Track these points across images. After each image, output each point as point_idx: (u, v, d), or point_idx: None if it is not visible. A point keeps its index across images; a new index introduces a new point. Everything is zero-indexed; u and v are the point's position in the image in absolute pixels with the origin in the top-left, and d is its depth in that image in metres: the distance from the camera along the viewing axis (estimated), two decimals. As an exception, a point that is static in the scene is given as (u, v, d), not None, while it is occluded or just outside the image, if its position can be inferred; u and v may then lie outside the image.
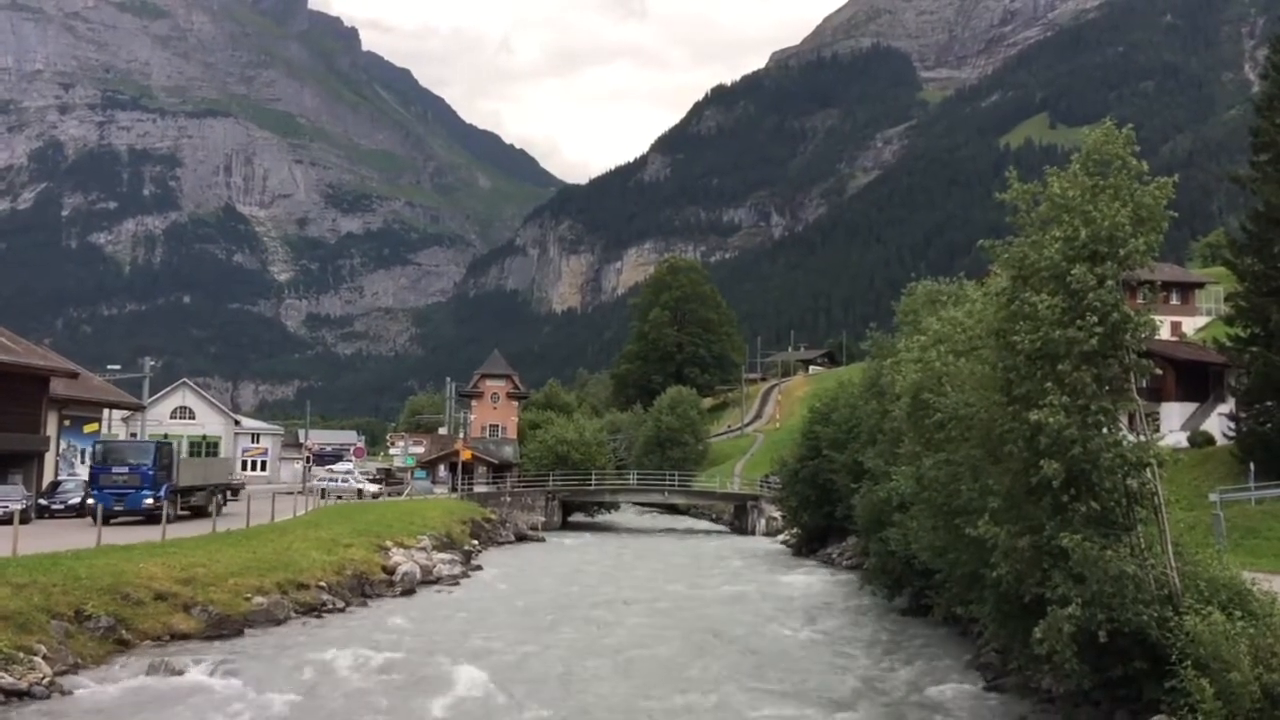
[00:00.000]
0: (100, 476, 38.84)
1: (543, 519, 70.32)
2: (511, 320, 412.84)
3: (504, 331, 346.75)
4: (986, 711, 20.10)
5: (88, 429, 53.15)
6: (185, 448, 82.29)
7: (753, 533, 69.98)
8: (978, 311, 22.70)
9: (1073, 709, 18.08)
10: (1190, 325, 67.56)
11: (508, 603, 34.39)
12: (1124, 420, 17.80)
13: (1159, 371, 30.47)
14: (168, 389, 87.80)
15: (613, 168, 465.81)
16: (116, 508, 36.84)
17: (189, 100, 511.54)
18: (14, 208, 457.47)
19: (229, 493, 48.96)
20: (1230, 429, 40.30)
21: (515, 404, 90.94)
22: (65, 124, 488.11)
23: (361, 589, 33.26)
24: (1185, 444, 42.79)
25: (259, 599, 27.62)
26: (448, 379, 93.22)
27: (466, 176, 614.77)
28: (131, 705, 18.91)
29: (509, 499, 72.42)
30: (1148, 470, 16.89)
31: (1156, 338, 34.74)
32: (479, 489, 75.44)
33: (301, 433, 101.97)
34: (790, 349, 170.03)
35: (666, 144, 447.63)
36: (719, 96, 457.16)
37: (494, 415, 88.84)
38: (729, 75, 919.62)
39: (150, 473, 38.83)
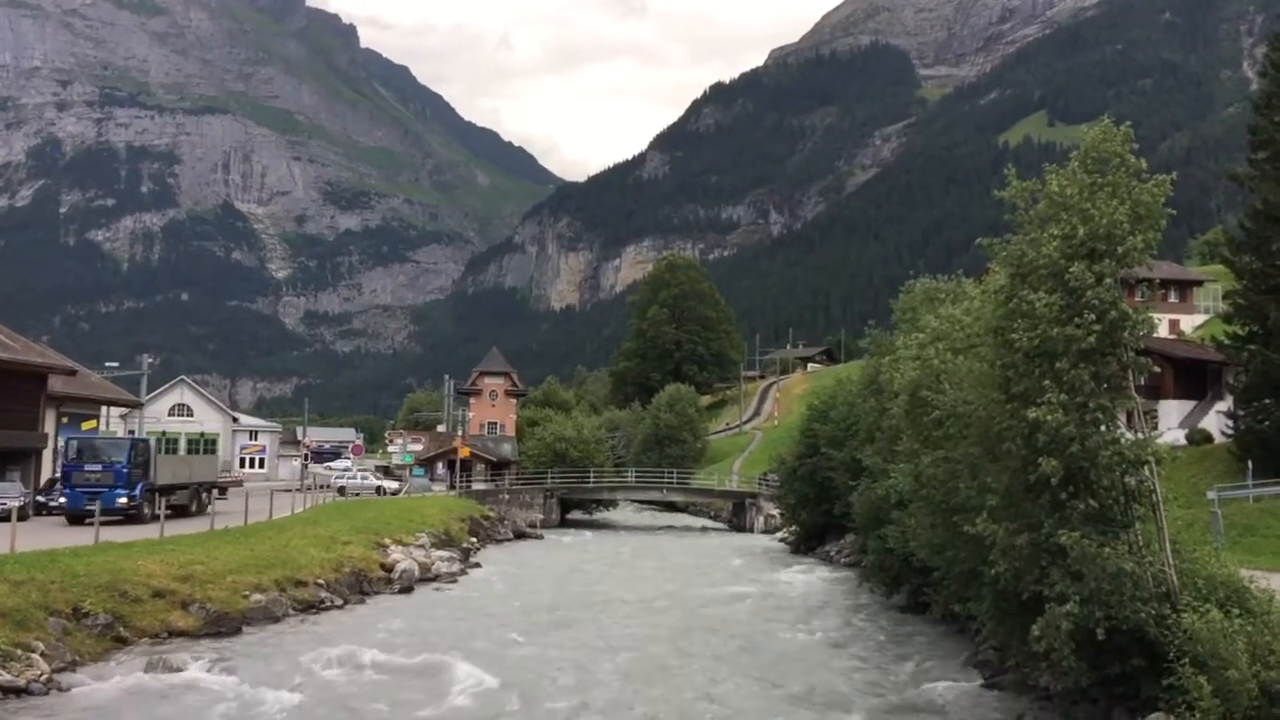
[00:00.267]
0: (73, 474, 37.65)
1: (541, 516, 70.33)
2: (510, 318, 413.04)
3: (502, 329, 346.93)
4: (984, 709, 20.11)
5: (86, 426, 53.11)
6: (183, 445, 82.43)
7: (751, 530, 70.02)
8: (976, 309, 22.70)
9: (1071, 706, 18.09)
10: (1188, 323, 67.58)
11: (506, 601, 34.40)
12: (1122, 418, 17.80)
13: (1157, 369, 30.53)
14: (166, 386, 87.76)
15: (611, 165, 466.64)
16: (90, 507, 35.25)
17: (187, 97, 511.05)
18: (12, 205, 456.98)
19: (215, 491, 47.35)
20: (1228, 427, 40.32)
21: (514, 401, 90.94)
22: (63, 121, 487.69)
23: (360, 586, 33.26)
24: (1183, 442, 42.84)
25: (257, 596, 27.61)
26: (446, 376, 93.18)
27: (465, 174, 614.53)
28: (129, 702, 18.90)
29: (507, 496, 72.45)
30: (1146, 468, 16.89)
31: (1154, 335, 34.74)
32: (477, 486, 75.49)
33: (300, 430, 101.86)
34: (789, 346, 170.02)
35: (665, 141, 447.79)
36: (718, 94, 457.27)
37: (492, 413, 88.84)
38: (728, 73, 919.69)
39: (125, 470, 37.51)
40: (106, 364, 70.17)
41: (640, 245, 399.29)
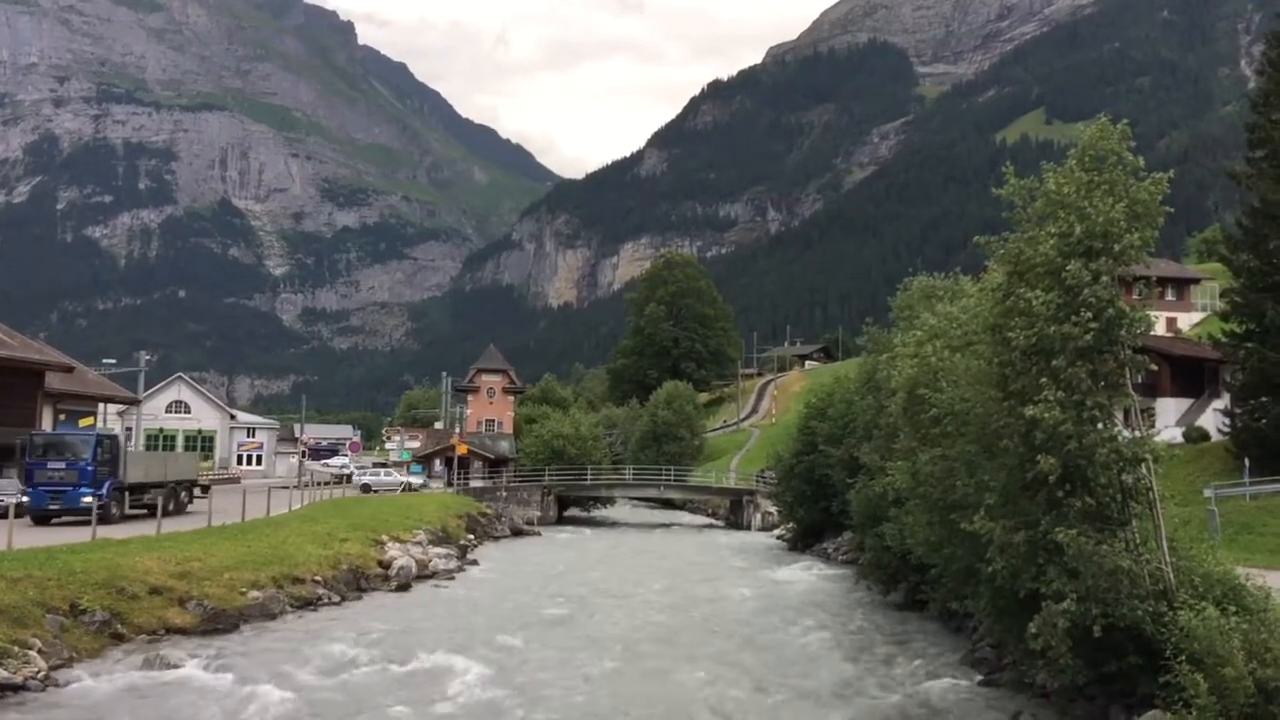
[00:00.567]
0: (35, 472, 35.73)
1: (538, 514, 70.30)
2: (507, 315, 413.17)
3: (500, 326, 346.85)
4: (981, 706, 20.11)
5: (83, 423, 53.03)
6: (181, 442, 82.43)
7: (748, 528, 70.00)
8: (973, 307, 22.68)
9: (1067, 704, 18.12)
10: (1186, 321, 67.69)
11: (503, 598, 34.38)
12: (1119, 416, 17.81)
13: (1154, 367, 30.56)
14: (163, 383, 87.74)
15: (609, 162, 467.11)
16: (53, 506, 34.21)
17: (184, 94, 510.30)
18: (9, 201, 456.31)
19: (196, 490, 45.51)
20: (1225, 424, 40.36)
21: (511, 399, 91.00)
22: (60, 117, 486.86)
23: (357, 583, 33.25)
24: (1180, 439, 42.89)
25: (254, 593, 27.60)
26: (444, 374, 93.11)
27: (463, 171, 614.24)
28: (127, 699, 18.89)
29: (505, 494, 72.41)
30: (1143, 466, 16.91)
31: (1152, 333, 34.77)
32: (475, 483, 75.49)
33: (297, 427, 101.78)
34: (786, 344, 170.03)
35: (663, 139, 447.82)
36: (716, 91, 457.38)
37: (490, 410, 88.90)
38: (726, 70, 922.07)
39: (89, 468, 35.58)
40: (104, 361, 70.22)
41: (638, 243, 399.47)
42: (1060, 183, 17.87)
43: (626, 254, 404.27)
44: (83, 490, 35.15)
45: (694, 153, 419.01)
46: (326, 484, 62.71)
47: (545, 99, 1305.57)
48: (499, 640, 26.08)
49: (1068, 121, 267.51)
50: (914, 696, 21.21)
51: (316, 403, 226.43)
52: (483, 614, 30.59)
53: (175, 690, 19.64)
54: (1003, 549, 17.62)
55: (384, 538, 39.89)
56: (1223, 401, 43.10)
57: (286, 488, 53.78)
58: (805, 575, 42.85)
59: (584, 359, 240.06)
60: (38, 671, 19.10)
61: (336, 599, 30.72)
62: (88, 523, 31.33)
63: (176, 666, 21.06)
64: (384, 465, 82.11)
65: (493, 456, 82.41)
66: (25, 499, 35.68)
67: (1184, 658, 14.58)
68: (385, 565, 36.27)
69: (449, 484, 73.77)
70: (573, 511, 79.17)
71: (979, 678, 22.19)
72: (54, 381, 48.13)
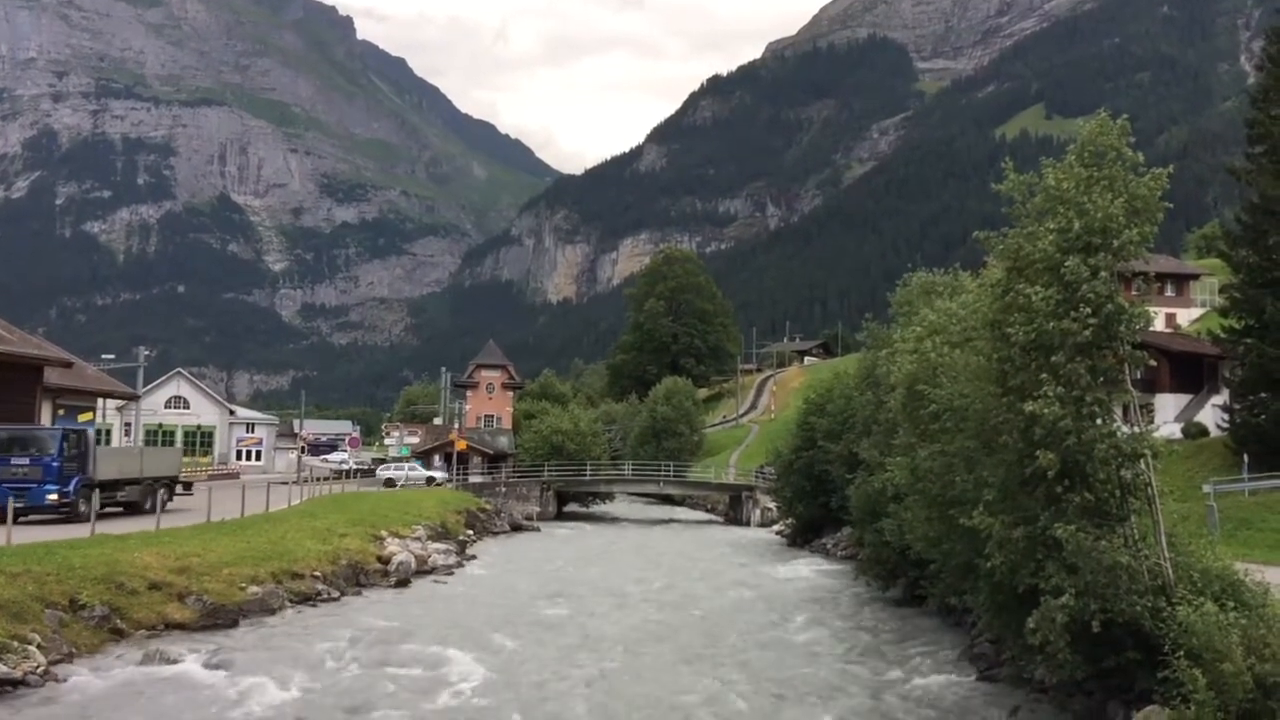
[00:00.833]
0: None
1: (538, 509, 70.34)
2: (507, 310, 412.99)
3: (499, 322, 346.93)
4: (980, 702, 20.13)
5: (82, 418, 52.97)
6: (180, 437, 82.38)
7: (747, 523, 70.03)
8: (973, 303, 22.68)
9: (1066, 699, 18.13)
10: (1185, 317, 67.71)
11: (502, 594, 34.39)
12: (1118, 411, 17.82)
13: (1153, 363, 30.56)
14: (162, 379, 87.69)
15: (608, 158, 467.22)
16: (17, 504, 31.63)
17: (183, 89, 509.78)
18: (8, 196, 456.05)
19: (178, 487, 43.64)
20: (1224, 420, 40.40)
21: (510, 394, 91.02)
22: (59, 112, 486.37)
23: (356, 579, 33.24)
24: (1179, 435, 42.92)
25: (254, 588, 27.59)
26: (443, 369, 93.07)
27: (462, 166, 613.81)
28: (126, 695, 18.88)
29: (504, 489, 72.47)
30: (1142, 461, 16.90)
31: (1151, 329, 34.78)
32: (474, 479, 75.53)
33: (296, 423, 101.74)
34: (785, 340, 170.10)
35: (662, 134, 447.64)
36: (715, 87, 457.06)
37: (489, 405, 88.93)
38: (725, 65, 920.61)
39: (55, 464, 33.74)
40: (103, 356, 70.04)
41: (637, 238, 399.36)
42: (1060, 178, 17.85)
43: (626, 249, 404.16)
44: (48, 487, 33.63)
45: (693, 148, 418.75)
46: (326, 479, 62.68)
47: (544, 94, 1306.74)
48: (497, 637, 26.08)
49: (1067, 117, 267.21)
50: (913, 692, 21.23)
51: (316, 398, 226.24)
52: (481, 610, 30.59)
53: (174, 685, 19.63)
54: (1001, 544, 17.63)
55: (383, 533, 39.88)
56: (1222, 397, 43.14)
57: (286, 483, 53.75)
58: (804, 571, 42.89)
59: (583, 354, 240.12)
60: (37, 667, 19.09)
61: (336, 595, 30.71)
62: (55, 521, 30.36)
63: (176, 662, 21.05)
64: (406, 460, 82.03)
65: (492, 452, 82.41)
66: None
67: (1182, 653, 14.58)
68: (384, 561, 36.25)
69: (448, 479, 73.85)
70: (572, 507, 79.21)
71: (977, 673, 22.19)
72: (53, 377, 48.04)
